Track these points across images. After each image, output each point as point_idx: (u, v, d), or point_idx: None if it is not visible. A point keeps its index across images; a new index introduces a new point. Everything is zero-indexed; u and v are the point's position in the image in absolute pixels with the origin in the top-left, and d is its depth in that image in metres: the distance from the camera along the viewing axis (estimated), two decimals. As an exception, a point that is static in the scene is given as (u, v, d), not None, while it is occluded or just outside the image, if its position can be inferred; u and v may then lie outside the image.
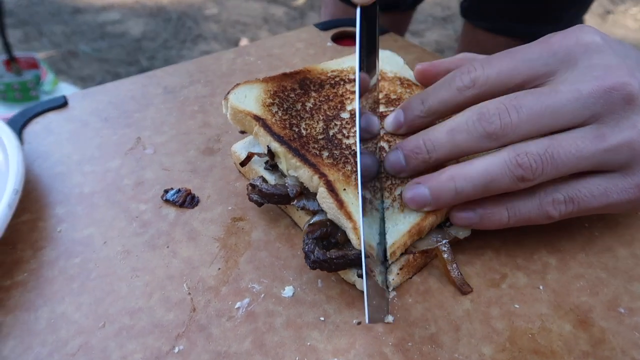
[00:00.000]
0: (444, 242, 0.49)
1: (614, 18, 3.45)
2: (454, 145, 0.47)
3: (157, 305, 0.47)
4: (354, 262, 0.46)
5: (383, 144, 0.54)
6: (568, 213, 0.47)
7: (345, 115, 0.57)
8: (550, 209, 0.46)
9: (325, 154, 0.51)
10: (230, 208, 0.58)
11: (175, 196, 0.58)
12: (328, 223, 0.48)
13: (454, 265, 0.49)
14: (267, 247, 0.53)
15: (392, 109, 0.58)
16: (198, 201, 0.58)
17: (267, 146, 0.53)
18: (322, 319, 0.46)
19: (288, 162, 0.52)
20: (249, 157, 0.57)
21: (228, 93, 0.58)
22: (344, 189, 0.47)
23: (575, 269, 0.51)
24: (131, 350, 0.44)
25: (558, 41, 0.48)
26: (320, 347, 0.44)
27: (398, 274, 0.48)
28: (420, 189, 0.47)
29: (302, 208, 0.51)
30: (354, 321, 0.46)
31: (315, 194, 0.49)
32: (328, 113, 0.57)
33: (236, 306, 0.47)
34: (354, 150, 0.52)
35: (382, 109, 0.58)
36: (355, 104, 0.58)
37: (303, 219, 0.53)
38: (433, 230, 0.50)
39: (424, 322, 0.46)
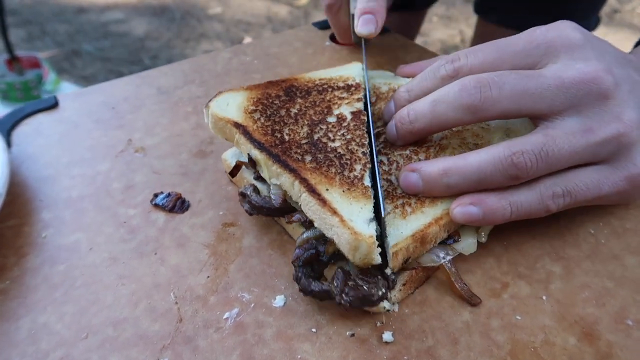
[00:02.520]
0: (448, 259, 0.47)
1: (620, 17, 3.41)
2: (434, 116, 0.49)
3: (143, 316, 0.45)
4: (332, 298, 0.43)
5: (382, 157, 0.53)
6: (564, 205, 0.47)
7: (331, 119, 0.54)
8: (550, 203, 0.46)
9: (308, 158, 0.49)
10: (221, 213, 0.56)
11: (164, 200, 0.56)
12: (314, 242, 0.46)
13: (459, 278, 0.46)
14: (258, 254, 0.51)
15: None
16: (188, 206, 0.56)
17: (248, 154, 0.51)
18: (313, 330, 0.44)
19: (269, 170, 0.49)
20: (238, 166, 0.54)
21: (210, 101, 0.56)
22: (327, 189, 0.46)
23: (580, 278, 0.48)
24: (114, 363, 0.42)
25: (541, 34, 0.49)
26: (312, 361, 0.42)
27: (401, 289, 0.45)
28: (414, 177, 0.48)
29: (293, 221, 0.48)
30: (347, 333, 0.44)
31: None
32: (314, 118, 0.55)
33: (224, 316, 0.45)
34: (339, 153, 0.50)
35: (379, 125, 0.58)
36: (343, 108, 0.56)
37: (295, 230, 0.51)
38: (436, 246, 0.48)
39: (421, 334, 0.44)
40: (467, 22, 3.26)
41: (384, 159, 0.52)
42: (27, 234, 0.53)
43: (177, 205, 0.56)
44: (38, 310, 0.46)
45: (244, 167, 0.55)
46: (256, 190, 0.51)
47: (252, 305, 0.46)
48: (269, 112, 0.55)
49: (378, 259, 0.42)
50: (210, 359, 0.42)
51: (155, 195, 0.57)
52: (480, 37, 1.29)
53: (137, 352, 0.42)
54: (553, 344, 0.43)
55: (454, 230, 0.49)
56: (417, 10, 1.33)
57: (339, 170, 0.48)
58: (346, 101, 0.57)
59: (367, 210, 0.44)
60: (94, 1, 3.57)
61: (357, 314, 0.45)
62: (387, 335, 0.43)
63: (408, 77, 0.65)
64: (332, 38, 0.90)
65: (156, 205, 0.56)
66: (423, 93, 0.52)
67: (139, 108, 0.72)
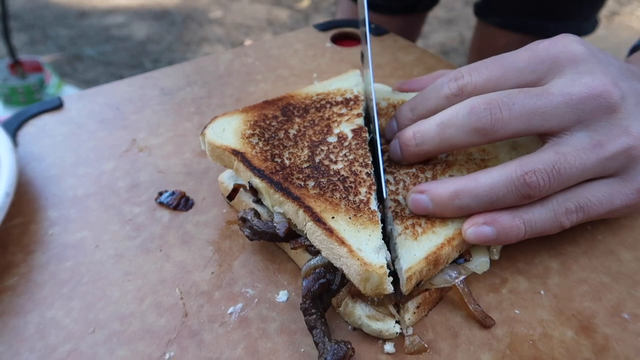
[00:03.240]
0: (461, 278, 0.46)
1: (619, 19, 3.42)
2: (442, 138, 0.48)
3: (149, 311, 0.46)
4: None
5: (388, 176, 0.51)
6: (577, 221, 0.46)
7: (332, 139, 0.53)
8: (564, 220, 0.46)
9: (311, 183, 0.47)
10: (225, 211, 0.57)
11: (169, 199, 0.57)
12: (322, 270, 0.44)
13: (472, 298, 0.45)
14: (261, 250, 0.52)
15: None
16: (192, 204, 0.57)
17: (249, 182, 0.50)
18: (316, 324, 0.45)
19: (271, 198, 0.48)
20: (236, 189, 0.53)
21: (205, 128, 0.55)
22: (333, 217, 0.44)
23: (577, 273, 0.49)
24: (121, 356, 0.43)
25: (545, 49, 0.48)
26: (315, 354, 0.43)
27: (415, 312, 0.44)
28: (423, 199, 0.47)
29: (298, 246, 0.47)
30: (350, 327, 0.45)
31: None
32: (313, 138, 0.53)
33: (229, 311, 0.46)
34: (342, 175, 0.48)
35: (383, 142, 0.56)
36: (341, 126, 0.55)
37: (299, 255, 0.49)
38: (448, 265, 0.47)
39: (422, 327, 0.45)
40: (467, 25, 3.27)
41: (390, 178, 0.51)
42: (34, 231, 0.54)
43: (182, 203, 0.57)
44: (46, 305, 0.47)
45: (242, 189, 0.53)
46: (257, 214, 0.50)
47: (256, 300, 0.47)
48: (267, 135, 0.53)
49: (390, 289, 0.41)
50: (215, 353, 0.43)
51: (160, 194, 0.58)
52: (480, 40, 1.29)
53: (143, 346, 0.43)
54: (551, 337, 0.44)
55: (465, 250, 0.48)
56: (418, 13, 1.34)
57: (343, 195, 0.46)
58: (346, 117, 0.55)
59: (376, 237, 0.42)
60: (96, 5, 3.59)
61: (359, 309, 0.46)
62: (389, 347, 0.43)
63: (406, 92, 0.64)
64: (333, 40, 0.92)
65: (161, 204, 0.57)
66: (427, 112, 0.51)
67: (142, 109, 0.73)
